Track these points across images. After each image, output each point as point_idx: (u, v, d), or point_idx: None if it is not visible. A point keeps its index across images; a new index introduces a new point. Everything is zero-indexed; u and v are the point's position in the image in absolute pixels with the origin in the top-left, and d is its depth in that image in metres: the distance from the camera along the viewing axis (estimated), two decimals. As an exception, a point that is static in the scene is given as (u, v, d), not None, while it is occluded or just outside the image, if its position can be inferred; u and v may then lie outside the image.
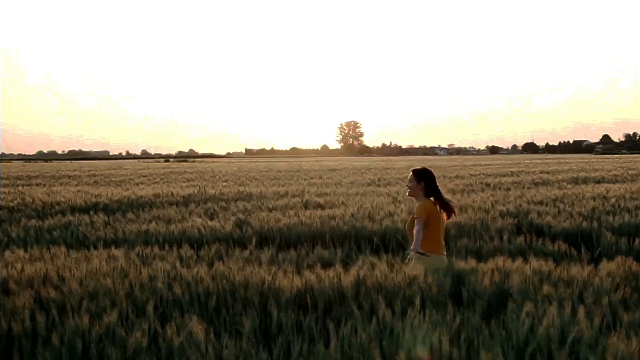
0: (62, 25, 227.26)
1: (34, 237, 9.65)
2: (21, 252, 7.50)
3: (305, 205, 12.29)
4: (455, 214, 6.29)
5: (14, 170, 35.65)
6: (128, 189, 16.45)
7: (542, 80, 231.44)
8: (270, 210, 11.60)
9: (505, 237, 8.66)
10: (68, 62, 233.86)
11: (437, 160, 57.94)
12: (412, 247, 5.88)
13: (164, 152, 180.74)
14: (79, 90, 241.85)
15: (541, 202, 12.72)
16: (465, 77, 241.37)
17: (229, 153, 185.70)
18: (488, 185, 17.48)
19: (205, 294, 5.55)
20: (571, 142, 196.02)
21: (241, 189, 16.08)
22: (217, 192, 14.73)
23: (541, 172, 25.23)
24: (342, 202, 12.62)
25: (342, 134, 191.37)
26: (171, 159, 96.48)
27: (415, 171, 6.17)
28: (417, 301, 4.96)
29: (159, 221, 10.53)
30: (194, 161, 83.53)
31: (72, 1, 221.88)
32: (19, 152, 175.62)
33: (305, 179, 22.29)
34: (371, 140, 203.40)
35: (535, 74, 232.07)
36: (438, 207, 6.01)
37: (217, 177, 24.87)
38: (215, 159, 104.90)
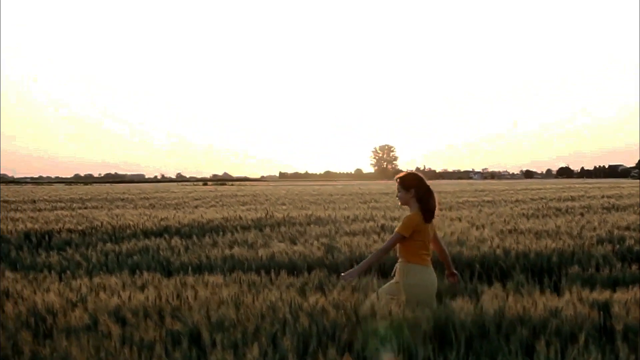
0: (91, 54, 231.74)
1: (115, 262, 9.36)
2: (113, 279, 7.21)
3: (384, 230, 11.84)
4: (430, 221, 5.64)
5: (64, 193, 35.80)
6: (192, 212, 16.17)
7: (574, 103, 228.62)
8: (351, 234, 11.18)
9: (618, 265, 8.16)
10: (100, 90, 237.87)
11: (480, 184, 57.05)
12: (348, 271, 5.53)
13: (198, 176, 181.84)
14: (108, 116, 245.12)
15: (628, 228, 12.14)
16: (496, 100, 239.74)
17: (263, 177, 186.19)
18: (559, 210, 16.86)
19: (332, 326, 5.16)
20: (606, 166, 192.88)
21: (307, 212, 15.69)
22: (285, 216, 14.36)
23: (603, 197, 24.47)
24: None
25: (376, 157, 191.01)
26: (209, 182, 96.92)
27: (401, 179, 5.68)
28: (582, 337, 4.51)
29: (240, 246, 10.18)
30: (232, 184, 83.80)
31: (104, 30, 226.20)
32: (57, 175, 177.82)
33: (363, 202, 21.85)
34: (404, 164, 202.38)
35: (567, 97, 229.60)
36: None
37: (271, 200, 24.59)
38: (253, 183, 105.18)
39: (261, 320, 5.28)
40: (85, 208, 20.54)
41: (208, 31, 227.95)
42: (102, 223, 13.24)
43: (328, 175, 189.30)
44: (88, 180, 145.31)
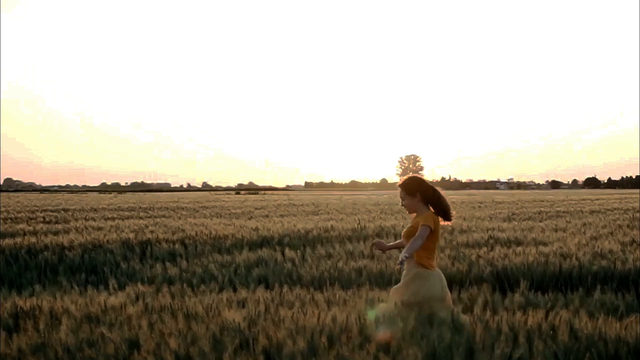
0: (113, 66, 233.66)
1: (238, 274, 8.98)
2: (244, 292, 6.85)
3: (496, 242, 11.36)
4: (451, 220, 5.53)
5: (116, 202, 35.54)
6: (275, 222, 15.79)
7: (597, 113, 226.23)
8: (470, 246, 10.72)
9: None
10: (124, 99, 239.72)
11: (509, 195, 56.19)
12: (404, 252, 5.12)
13: (223, 185, 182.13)
14: (130, 125, 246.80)
15: None
16: (520, 110, 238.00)
17: (288, 186, 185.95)
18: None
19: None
20: (634, 176, 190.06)
21: (393, 222, 15.24)
22: (377, 226, 13.94)
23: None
24: (533, 239, 11.66)
25: (403, 167, 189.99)
26: (242, 192, 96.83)
27: (404, 185, 5.45)
28: None
29: (359, 258, 9.75)
30: (264, 193, 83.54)
31: (124, 40, 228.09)
32: (84, 184, 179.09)
33: (367, 211, 21.33)
34: (429, 173, 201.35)
35: (592, 107, 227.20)
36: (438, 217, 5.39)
37: (337, 209, 24.16)
38: (284, 192, 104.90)
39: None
40: (155, 217, 20.23)
41: (229, 38, 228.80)
42: (196, 233, 12.89)
43: (354, 185, 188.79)
44: (116, 189, 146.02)
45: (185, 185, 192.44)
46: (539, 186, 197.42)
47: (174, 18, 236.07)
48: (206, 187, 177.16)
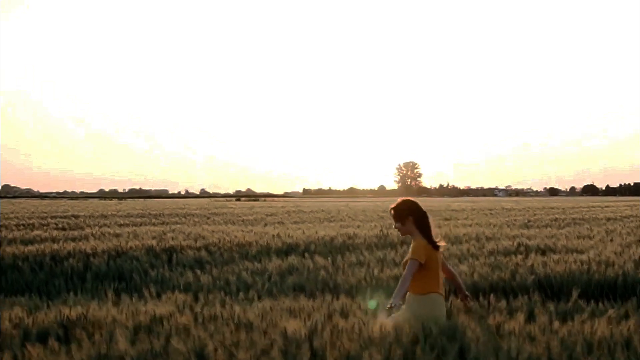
0: (111, 71, 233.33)
1: (273, 282, 8.78)
2: (287, 301, 6.68)
3: (527, 250, 11.16)
4: (441, 244, 5.41)
5: (124, 208, 35.18)
6: (294, 229, 15.60)
7: (595, 119, 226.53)
8: (501, 254, 10.53)
9: None
10: (119, 106, 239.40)
11: (514, 202, 56.05)
12: (394, 298, 5.08)
13: (221, 192, 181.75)
14: (127, 131, 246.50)
15: None
16: (518, 117, 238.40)
17: (286, 193, 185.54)
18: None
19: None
20: (632, 184, 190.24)
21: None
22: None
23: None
24: (564, 246, 11.48)
25: (401, 174, 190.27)
26: (242, 198, 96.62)
27: (396, 209, 5.32)
28: None
29: (391, 266, 9.57)
30: (264, 200, 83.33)
31: (119, 49, 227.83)
32: (81, 191, 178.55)
33: (449, 220, 21.15)
34: (427, 180, 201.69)
35: (589, 114, 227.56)
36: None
37: (350, 216, 23.98)
38: (285, 199, 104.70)
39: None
40: (169, 224, 20.01)
41: (226, 46, 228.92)
42: (219, 240, 12.70)
43: (352, 192, 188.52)
44: (115, 195, 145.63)
45: (183, 192, 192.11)
46: (537, 193, 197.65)
47: (172, 25, 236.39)
48: (204, 194, 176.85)
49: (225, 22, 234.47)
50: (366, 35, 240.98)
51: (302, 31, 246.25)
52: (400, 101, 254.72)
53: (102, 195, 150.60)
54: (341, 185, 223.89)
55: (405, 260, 5.38)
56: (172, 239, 13.00)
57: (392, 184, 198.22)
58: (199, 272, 9.49)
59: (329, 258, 10.31)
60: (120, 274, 10.14)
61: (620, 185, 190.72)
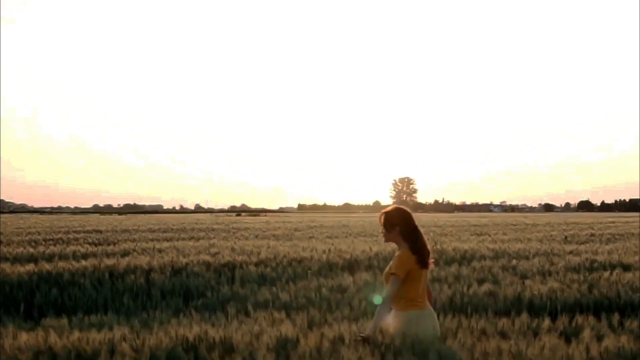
0: (103, 86, 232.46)
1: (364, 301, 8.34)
2: None
3: (602, 266, 10.81)
4: (430, 265, 5.07)
5: (139, 223, 34.47)
6: (347, 245, 15.17)
7: (591, 136, 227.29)
8: (576, 271, 10.17)
9: None
10: (112, 121, 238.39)
11: (525, 217, 55.76)
12: (370, 329, 4.82)
13: (215, 207, 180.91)
14: (120, 147, 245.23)
15: None
16: (513, 133, 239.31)
17: (281, 208, 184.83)
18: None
19: None
20: (627, 200, 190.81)
21: (472, 245, 14.64)
22: (453, 248, 13.37)
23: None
24: (635, 262, 11.13)
25: (396, 190, 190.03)
26: (243, 213, 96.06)
27: (385, 214, 5.10)
28: None
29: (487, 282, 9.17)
30: (265, 215, 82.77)
31: (112, 65, 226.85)
32: (76, 206, 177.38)
33: (482, 235, 20.79)
34: (423, 195, 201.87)
35: (582, 131, 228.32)
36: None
37: (377, 231, 23.54)
38: (286, 213, 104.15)
39: None
40: (199, 239, 19.54)
41: (216, 63, 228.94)
42: (274, 256, 12.26)
43: (347, 207, 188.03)
44: (110, 210, 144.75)
45: (177, 207, 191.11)
46: (532, 209, 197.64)
47: (164, 41, 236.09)
48: (199, 209, 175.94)
49: (221, 41, 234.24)
50: (361, 51, 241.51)
51: (298, 47, 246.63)
52: (396, 116, 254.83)
53: (96, 210, 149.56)
54: (335, 201, 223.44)
55: (386, 271, 5.03)
56: (226, 255, 12.52)
57: (386, 200, 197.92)
58: (274, 288, 9.06)
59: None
60: (186, 290, 9.69)
61: (616, 201, 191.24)
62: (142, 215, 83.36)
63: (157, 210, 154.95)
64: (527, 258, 11.93)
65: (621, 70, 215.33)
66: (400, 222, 5.01)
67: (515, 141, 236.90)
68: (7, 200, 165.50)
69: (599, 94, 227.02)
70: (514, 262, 11.22)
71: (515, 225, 29.25)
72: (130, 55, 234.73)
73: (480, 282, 9.25)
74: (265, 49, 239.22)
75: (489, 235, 20.76)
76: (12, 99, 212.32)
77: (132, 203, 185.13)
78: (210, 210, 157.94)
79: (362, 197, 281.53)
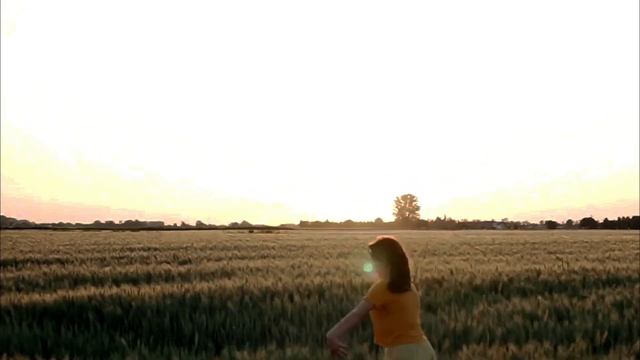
0: (103, 102, 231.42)
1: (548, 326, 7.50)
2: None
3: None
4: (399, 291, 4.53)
5: (172, 240, 33.31)
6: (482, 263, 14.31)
7: (592, 153, 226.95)
8: None
9: None
10: (113, 136, 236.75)
11: (543, 235, 54.99)
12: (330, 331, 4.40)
13: (217, 224, 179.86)
14: (120, 162, 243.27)
15: None
16: (514, 150, 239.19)
17: (283, 225, 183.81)
18: None
19: None
20: (630, 217, 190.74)
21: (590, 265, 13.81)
22: (579, 269, 12.56)
23: None
24: None
25: (399, 207, 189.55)
26: (255, 230, 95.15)
27: (372, 247, 4.70)
28: None
29: None
30: (277, 232, 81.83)
31: (113, 77, 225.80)
32: (77, 222, 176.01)
33: (554, 253, 20.03)
34: (425, 212, 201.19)
35: (584, 147, 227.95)
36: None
37: (431, 250, 22.83)
38: (296, 230, 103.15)
39: None
40: (259, 258, 18.68)
41: (215, 76, 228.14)
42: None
43: (349, 224, 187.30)
44: (111, 227, 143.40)
45: (179, 224, 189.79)
46: (534, 226, 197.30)
47: (165, 57, 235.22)
48: (201, 226, 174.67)
49: (223, 54, 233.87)
50: (364, 69, 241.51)
51: (301, 64, 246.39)
52: (399, 134, 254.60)
53: (98, 227, 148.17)
54: (336, 218, 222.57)
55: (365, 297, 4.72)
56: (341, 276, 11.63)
57: (388, 217, 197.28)
58: (444, 315, 8.22)
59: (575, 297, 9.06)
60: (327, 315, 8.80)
61: (619, 218, 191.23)
62: (164, 231, 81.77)
63: (159, 226, 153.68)
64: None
65: (622, 85, 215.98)
66: (387, 253, 4.60)
67: (516, 159, 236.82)
68: (8, 217, 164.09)
69: (600, 110, 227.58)
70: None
71: (575, 242, 28.61)
72: (130, 70, 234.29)
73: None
74: (268, 64, 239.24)
75: (563, 253, 20.03)
76: (7, 115, 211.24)
77: (133, 219, 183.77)
78: (212, 227, 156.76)
79: (363, 215, 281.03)
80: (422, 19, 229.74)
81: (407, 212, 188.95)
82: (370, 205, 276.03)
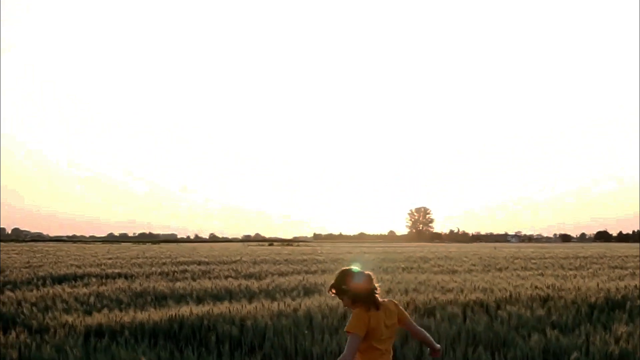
0: (109, 115, 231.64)
1: None
2: None
3: None
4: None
5: (202, 253, 32.59)
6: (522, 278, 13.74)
7: (604, 166, 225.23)
8: None
9: None
10: (121, 148, 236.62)
11: (559, 249, 54.14)
12: None
13: (230, 236, 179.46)
14: (130, 175, 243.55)
15: None
16: (527, 163, 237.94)
17: (295, 237, 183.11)
18: None
19: None
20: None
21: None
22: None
23: None
24: None
25: (412, 220, 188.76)
26: (275, 243, 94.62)
27: (333, 285, 4.42)
28: None
29: None
30: (298, 245, 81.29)
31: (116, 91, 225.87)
32: (91, 234, 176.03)
33: (573, 268, 19.44)
34: (439, 226, 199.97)
35: (595, 160, 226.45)
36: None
37: (458, 263, 22.22)
38: (311, 243, 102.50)
39: None
40: (326, 272, 18.11)
41: (224, 85, 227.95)
42: (510, 294, 10.80)
43: (362, 237, 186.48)
44: (125, 239, 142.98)
45: (192, 237, 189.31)
46: (548, 239, 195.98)
47: (170, 67, 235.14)
48: (213, 239, 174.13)
49: (219, 67, 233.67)
50: (375, 78, 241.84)
51: (310, 72, 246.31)
52: (413, 147, 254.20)
53: (112, 239, 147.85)
54: (349, 230, 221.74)
55: (346, 329, 4.43)
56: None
57: (402, 229, 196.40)
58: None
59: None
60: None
61: (634, 232, 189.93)
62: (174, 244, 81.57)
63: (173, 239, 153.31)
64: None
65: (634, 98, 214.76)
66: (346, 287, 4.34)
67: (530, 171, 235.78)
68: (22, 229, 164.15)
69: (613, 123, 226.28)
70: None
71: (626, 256, 27.91)
72: (137, 80, 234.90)
73: None
74: (273, 74, 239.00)
75: (584, 269, 19.41)
76: (10, 128, 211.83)
77: (147, 232, 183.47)
78: (226, 240, 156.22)
79: (376, 227, 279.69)
80: (432, 27, 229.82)
81: (421, 225, 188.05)
82: (384, 218, 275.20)
